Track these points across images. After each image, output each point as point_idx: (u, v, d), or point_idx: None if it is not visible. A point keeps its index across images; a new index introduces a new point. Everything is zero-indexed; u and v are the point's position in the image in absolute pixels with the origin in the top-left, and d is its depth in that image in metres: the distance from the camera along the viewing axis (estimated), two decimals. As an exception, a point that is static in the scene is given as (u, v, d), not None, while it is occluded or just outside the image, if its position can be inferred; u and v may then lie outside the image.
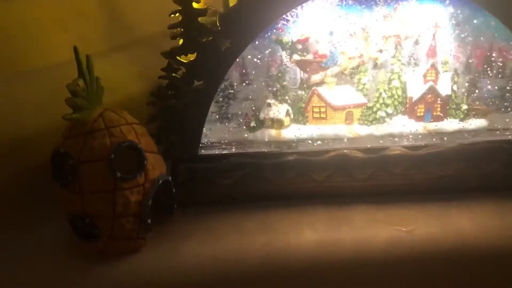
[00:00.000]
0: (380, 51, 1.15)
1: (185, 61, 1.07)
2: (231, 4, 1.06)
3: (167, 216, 1.01)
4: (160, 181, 0.96)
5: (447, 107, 1.18)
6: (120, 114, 0.96)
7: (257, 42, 1.11)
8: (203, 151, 1.15)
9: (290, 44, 1.13)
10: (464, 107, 1.16)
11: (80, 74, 0.91)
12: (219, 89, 1.10)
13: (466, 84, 1.17)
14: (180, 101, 1.08)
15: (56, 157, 0.90)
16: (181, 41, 1.06)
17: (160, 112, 1.12)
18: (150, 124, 1.10)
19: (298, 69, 1.17)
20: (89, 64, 0.92)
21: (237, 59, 1.07)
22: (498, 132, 1.18)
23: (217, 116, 1.18)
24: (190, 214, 1.05)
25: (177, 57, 1.06)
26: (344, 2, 1.06)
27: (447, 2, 1.08)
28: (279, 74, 1.16)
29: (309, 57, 1.15)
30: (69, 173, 0.89)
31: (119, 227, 0.92)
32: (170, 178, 1.00)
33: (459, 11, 1.09)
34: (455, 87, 1.16)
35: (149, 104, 1.14)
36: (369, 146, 1.16)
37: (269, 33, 1.11)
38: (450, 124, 1.18)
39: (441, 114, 1.18)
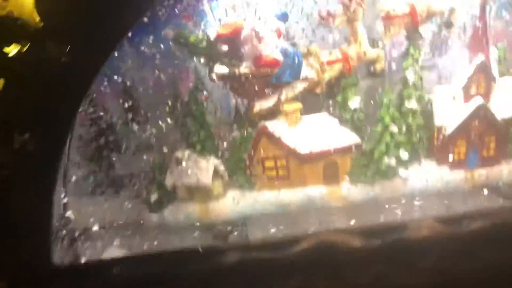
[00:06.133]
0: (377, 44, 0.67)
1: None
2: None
3: None
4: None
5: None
6: None
7: (143, 49, 0.61)
8: (62, 257, 0.68)
9: (204, 44, 0.59)
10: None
11: None
12: (91, 139, 0.72)
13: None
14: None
15: None
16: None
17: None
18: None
19: (229, 92, 0.67)
20: None
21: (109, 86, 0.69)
22: None
23: (90, 185, 0.74)
24: None
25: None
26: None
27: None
28: (193, 103, 0.65)
29: (247, 67, 0.61)
30: None
31: None
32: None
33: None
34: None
35: None
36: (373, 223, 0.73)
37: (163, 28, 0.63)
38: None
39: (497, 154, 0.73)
